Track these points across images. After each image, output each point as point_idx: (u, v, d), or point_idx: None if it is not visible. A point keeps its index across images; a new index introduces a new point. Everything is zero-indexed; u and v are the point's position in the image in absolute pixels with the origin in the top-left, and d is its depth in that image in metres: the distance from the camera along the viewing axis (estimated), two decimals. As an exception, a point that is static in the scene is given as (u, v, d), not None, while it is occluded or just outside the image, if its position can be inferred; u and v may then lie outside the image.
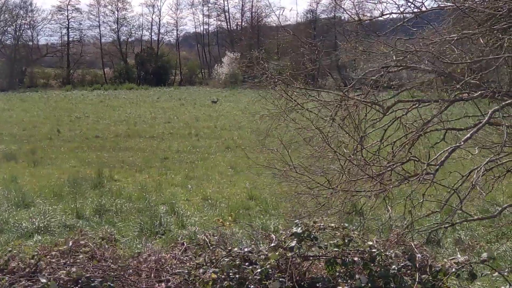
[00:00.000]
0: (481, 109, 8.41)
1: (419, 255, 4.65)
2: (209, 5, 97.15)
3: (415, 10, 8.20)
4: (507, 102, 6.99)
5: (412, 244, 4.87)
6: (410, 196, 7.44)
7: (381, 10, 8.46)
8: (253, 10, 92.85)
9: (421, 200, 6.56)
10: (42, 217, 12.62)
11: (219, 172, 19.79)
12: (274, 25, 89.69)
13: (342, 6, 8.75)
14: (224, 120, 36.85)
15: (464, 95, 7.88)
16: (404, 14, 8.31)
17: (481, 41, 7.70)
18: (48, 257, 5.60)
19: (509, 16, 7.53)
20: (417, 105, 8.23)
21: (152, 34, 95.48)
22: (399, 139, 8.41)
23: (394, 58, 8.32)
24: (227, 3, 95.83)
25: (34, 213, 13.16)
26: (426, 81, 8.69)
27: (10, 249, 6.01)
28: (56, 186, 16.57)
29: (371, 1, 8.47)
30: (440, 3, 8.86)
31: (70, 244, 5.74)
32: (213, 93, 63.89)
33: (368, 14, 9.37)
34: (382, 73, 8.27)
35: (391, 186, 6.67)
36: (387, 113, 8.27)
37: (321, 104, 8.52)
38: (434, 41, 7.70)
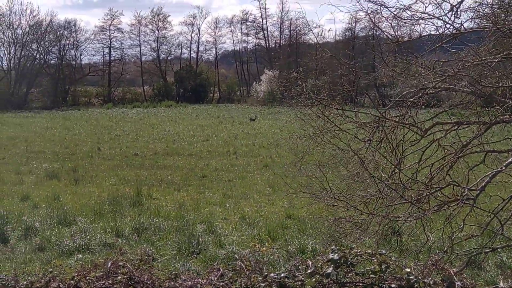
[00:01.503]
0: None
1: (458, 283, 4.57)
2: (248, 23, 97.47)
3: (454, 31, 8.15)
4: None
5: (451, 271, 4.79)
6: (449, 219, 7.33)
7: (419, 31, 8.44)
8: (291, 28, 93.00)
9: (461, 225, 6.45)
10: (83, 235, 12.81)
11: (257, 190, 19.73)
12: (313, 42, 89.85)
13: (380, 27, 8.73)
14: (262, 138, 36.80)
15: (505, 117, 7.76)
16: (442, 35, 8.24)
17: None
18: (87, 278, 5.68)
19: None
20: (456, 127, 8.14)
21: (191, 52, 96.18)
22: (437, 161, 8.30)
23: (432, 79, 8.27)
24: (266, 21, 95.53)
25: (75, 231, 13.35)
26: (466, 102, 8.60)
27: (51, 269, 6.11)
28: (96, 204, 16.78)
29: (409, 23, 8.39)
30: (479, 24, 8.79)
31: (109, 265, 5.80)
32: (251, 111, 64.04)
33: (406, 34, 9.32)
34: (420, 94, 8.21)
35: (430, 212, 6.58)
36: (425, 135, 8.20)
37: (359, 126, 8.48)
38: (474, 63, 7.62)
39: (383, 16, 8.55)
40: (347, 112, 8.89)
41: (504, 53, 7.99)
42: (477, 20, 8.87)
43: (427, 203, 7.24)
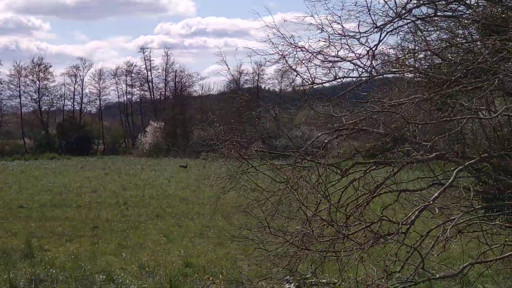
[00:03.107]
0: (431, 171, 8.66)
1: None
2: (133, 75, 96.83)
3: (368, 75, 8.45)
4: (470, 162, 7.19)
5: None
6: (371, 256, 7.49)
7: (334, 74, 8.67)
8: (176, 80, 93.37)
9: (395, 259, 6.58)
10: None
11: (152, 240, 19.47)
12: (197, 95, 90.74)
13: (296, 70, 8.87)
14: (151, 189, 36.38)
15: (418, 157, 8.06)
16: (358, 78, 8.52)
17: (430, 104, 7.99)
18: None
19: (458, 81, 7.85)
20: (374, 167, 8.35)
21: (75, 103, 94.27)
22: (352, 201, 8.47)
23: (344, 121, 8.49)
24: (151, 73, 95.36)
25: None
26: (379, 144, 8.87)
27: None
28: (-16, 258, 15.90)
29: (324, 66, 8.62)
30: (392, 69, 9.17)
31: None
32: (137, 162, 63.43)
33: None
34: (335, 136, 8.39)
35: (368, 246, 6.68)
36: (345, 175, 8.36)
37: (276, 168, 8.55)
38: (388, 106, 7.90)
39: (298, 58, 8.71)
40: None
41: (414, 96, 8.34)
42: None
43: (361, 238, 7.34)
